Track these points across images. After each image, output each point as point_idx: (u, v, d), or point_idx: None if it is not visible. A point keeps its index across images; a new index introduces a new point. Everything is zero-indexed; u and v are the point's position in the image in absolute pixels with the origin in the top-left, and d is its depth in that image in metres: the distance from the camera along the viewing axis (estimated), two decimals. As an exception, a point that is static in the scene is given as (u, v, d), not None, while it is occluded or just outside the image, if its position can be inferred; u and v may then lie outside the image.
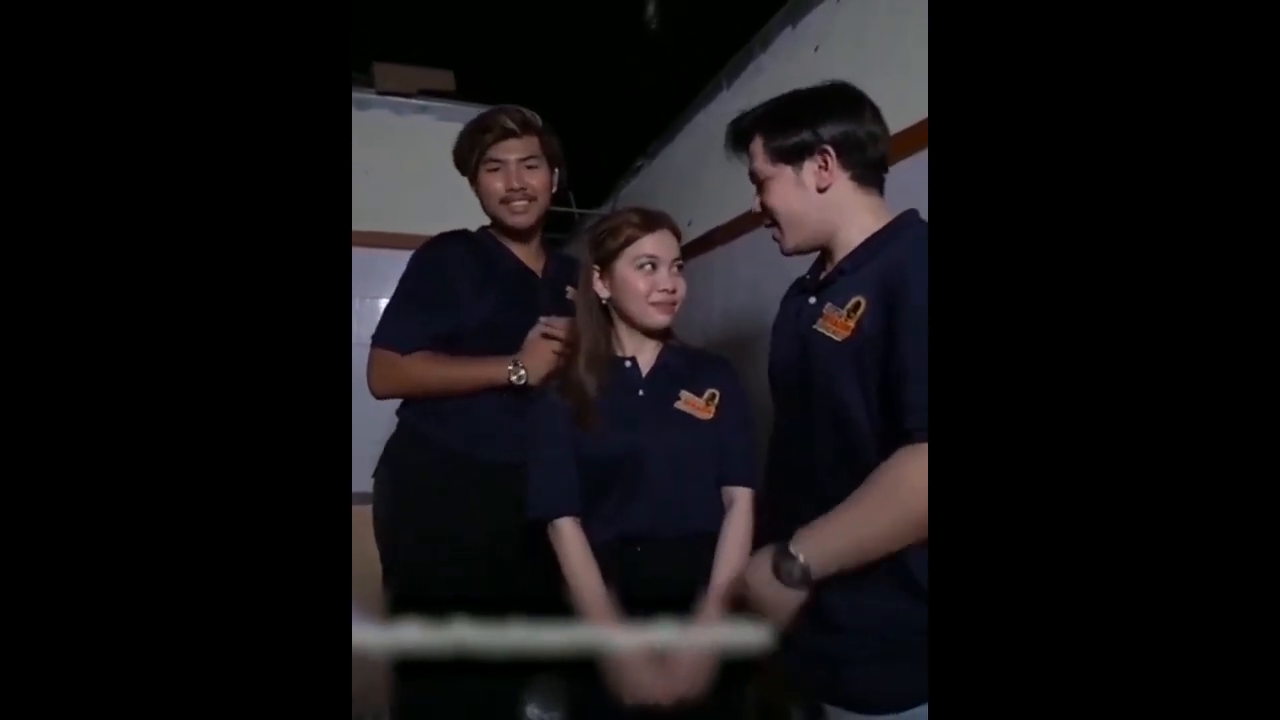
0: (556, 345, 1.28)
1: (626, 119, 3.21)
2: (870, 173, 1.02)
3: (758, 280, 2.05)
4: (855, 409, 0.93)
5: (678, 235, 1.19)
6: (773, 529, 1.05)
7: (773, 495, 1.11)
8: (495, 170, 1.35)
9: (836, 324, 0.97)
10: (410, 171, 2.44)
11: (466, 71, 2.70)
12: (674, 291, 1.16)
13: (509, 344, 1.30)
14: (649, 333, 1.19)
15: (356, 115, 2.55)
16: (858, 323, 0.94)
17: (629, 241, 1.15)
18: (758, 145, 1.04)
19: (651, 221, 1.16)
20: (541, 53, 2.77)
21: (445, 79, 2.61)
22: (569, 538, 1.12)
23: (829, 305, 0.99)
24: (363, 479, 1.35)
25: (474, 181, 1.39)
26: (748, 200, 1.08)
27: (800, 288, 1.12)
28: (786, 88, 1.06)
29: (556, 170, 1.42)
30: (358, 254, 2.30)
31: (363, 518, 1.32)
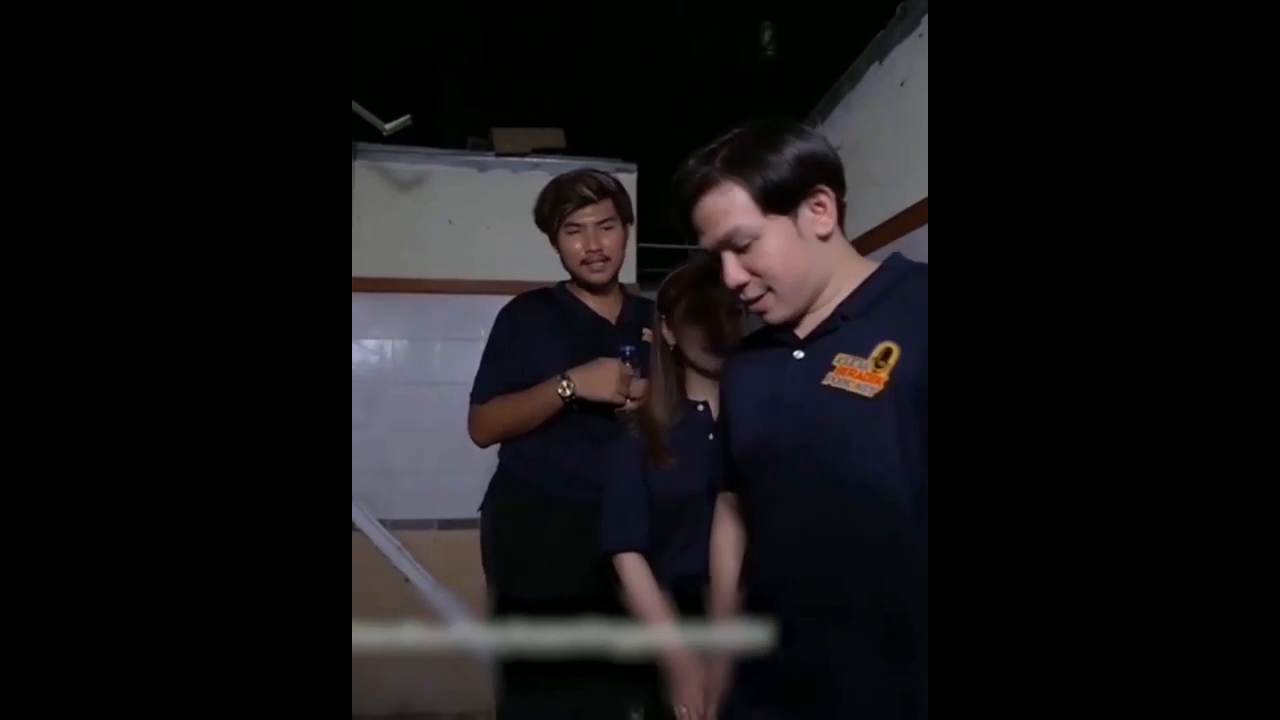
0: (615, 369, 1.36)
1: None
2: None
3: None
4: (890, 476, 0.80)
5: None
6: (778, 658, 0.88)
7: (770, 600, 0.92)
8: (575, 233, 1.49)
9: (862, 376, 0.83)
10: (526, 225, 2.60)
11: (574, 126, 2.90)
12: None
13: None
14: None
15: (479, 176, 2.81)
16: (890, 373, 0.81)
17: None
18: (734, 198, 0.86)
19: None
20: (641, 104, 2.95)
21: (556, 137, 2.82)
22: (632, 571, 1.19)
23: (842, 357, 0.85)
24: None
25: (554, 241, 1.54)
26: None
27: (764, 341, 0.97)
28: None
29: (629, 225, 1.55)
30: (476, 300, 2.55)
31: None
